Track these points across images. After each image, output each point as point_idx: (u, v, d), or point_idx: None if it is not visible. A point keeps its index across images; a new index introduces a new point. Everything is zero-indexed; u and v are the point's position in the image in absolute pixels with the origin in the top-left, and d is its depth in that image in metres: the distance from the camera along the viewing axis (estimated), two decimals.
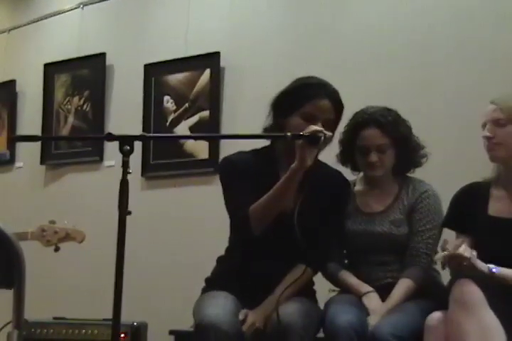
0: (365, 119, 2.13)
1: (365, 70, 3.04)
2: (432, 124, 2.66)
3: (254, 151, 2.05)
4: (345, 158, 2.22)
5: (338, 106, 1.98)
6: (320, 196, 1.99)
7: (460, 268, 1.74)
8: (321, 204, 1.99)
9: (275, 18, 3.37)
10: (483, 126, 1.96)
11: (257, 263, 1.97)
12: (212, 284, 2.06)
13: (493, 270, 1.79)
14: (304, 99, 1.96)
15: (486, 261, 1.81)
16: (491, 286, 1.73)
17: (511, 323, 1.70)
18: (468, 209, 1.98)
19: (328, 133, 1.83)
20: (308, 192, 1.95)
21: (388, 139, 2.12)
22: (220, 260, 2.11)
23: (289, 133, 1.81)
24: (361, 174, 2.24)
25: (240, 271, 2.00)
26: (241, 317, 1.91)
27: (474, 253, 1.76)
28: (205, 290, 2.06)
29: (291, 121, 1.95)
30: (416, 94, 2.87)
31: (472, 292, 1.70)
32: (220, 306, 1.88)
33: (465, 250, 1.74)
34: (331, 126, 1.97)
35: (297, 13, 3.31)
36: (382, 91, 2.89)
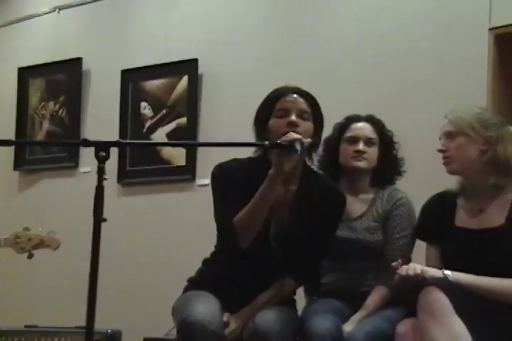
0: (357, 116, 2.25)
1: (345, 79, 3.08)
2: (410, 134, 2.70)
3: (250, 159, 2.03)
4: (327, 157, 2.24)
5: (309, 99, 1.99)
6: (315, 213, 1.97)
7: (418, 282, 1.79)
8: (314, 221, 1.96)
9: (254, 25, 3.40)
10: (440, 140, 2.02)
11: (243, 271, 1.96)
12: (196, 284, 2.06)
13: (447, 274, 1.83)
14: (273, 100, 1.98)
15: (453, 270, 1.85)
16: (457, 293, 1.77)
17: (478, 329, 1.75)
18: (437, 219, 2.03)
19: (306, 140, 1.84)
20: (301, 207, 1.96)
21: (377, 136, 2.21)
22: (206, 262, 2.12)
23: (266, 142, 1.82)
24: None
25: (225, 276, 2.00)
26: (225, 319, 1.92)
27: (423, 267, 1.83)
28: (187, 290, 2.06)
29: (270, 125, 1.97)
30: (395, 105, 2.92)
31: (439, 299, 1.74)
32: (208, 305, 1.87)
33: (413, 269, 1.80)
34: (310, 119, 1.97)
35: (277, 20, 3.34)
36: (362, 101, 2.93)
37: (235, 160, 2.05)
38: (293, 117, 1.94)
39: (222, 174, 2.01)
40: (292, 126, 1.92)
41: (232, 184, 1.96)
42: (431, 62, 2.90)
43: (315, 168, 2.14)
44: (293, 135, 1.83)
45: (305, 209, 1.97)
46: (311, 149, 1.99)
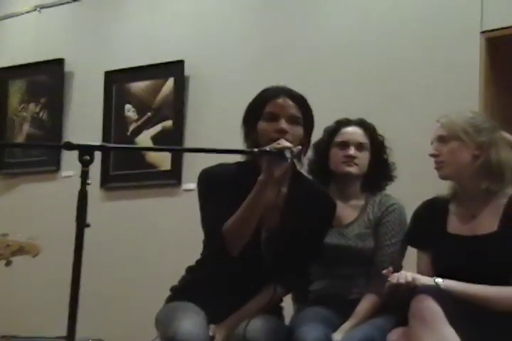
0: (348, 120, 2.25)
1: (335, 82, 3.10)
2: (398, 136, 2.71)
3: (238, 164, 2.03)
4: (317, 161, 2.25)
5: (301, 103, 1.98)
6: (304, 216, 1.98)
7: (409, 290, 1.81)
8: (304, 224, 1.97)
9: (243, 25, 3.41)
10: (431, 144, 2.04)
11: (231, 278, 1.96)
12: (179, 293, 2.05)
13: (438, 282, 1.85)
14: (263, 102, 1.97)
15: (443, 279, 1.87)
16: (449, 301, 1.79)
17: (469, 337, 1.76)
18: (428, 226, 2.04)
19: (297, 148, 1.84)
20: (291, 211, 1.97)
21: (368, 140, 2.22)
22: (190, 270, 2.11)
23: (255, 150, 1.82)
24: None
25: (212, 284, 1.99)
26: (211, 333, 1.91)
27: (415, 275, 1.84)
28: (170, 300, 2.06)
29: (259, 129, 1.96)
30: (386, 108, 2.94)
31: (430, 307, 1.75)
32: (193, 320, 1.88)
33: (404, 277, 1.82)
34: (301, 124, 1.96)
35: (266, 21, 3.36)
36: (351, 104, 2.95)
37: (222, 164, 2.04)
38: (282, 124, 1.93)
39: (209, 179, 2.01)
40: (281, 132, 1.92)
41: (220, 190, 1.96)
42: (422, 66, 2.93)
43: (304, 172, 2.15)
44: (283, 143, 1.82)
45: (295, 212, 1.98)
46: (300, 153, 1.99)
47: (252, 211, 1.89)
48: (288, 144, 1.81)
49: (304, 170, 2.14)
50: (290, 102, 1.97)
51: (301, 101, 1.99)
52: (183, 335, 1.80)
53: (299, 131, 1.96)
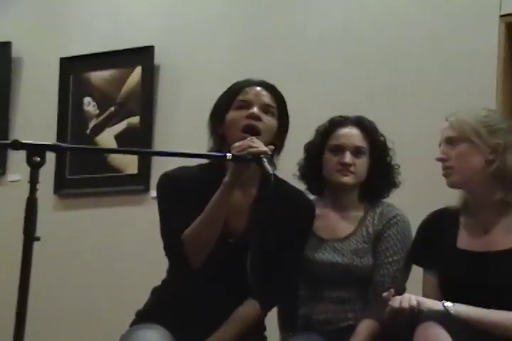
0: (344, 119, 2.25)
1: (327, 74, 3.12)
2: (400, 137, 2.74)
3: (201, 166, 2.07)
4: (308, 166, 2.26)
5: (276, 94, 2.03)
6: (279, 222, 2.00)
7: (414, 316, 1.82)
8: (276, 230, 2.00)
9: (223, 6, 3.43)
10: (439, 147, 2.05)
11: (198, 297, 1.98)
12: (144, 317, 2.06)
13: (448, 306, 1.86)
14: (235, 92, 2.02)
15: (453, 300, 1.88)
16: (460, 328, 1.80)
17: None
18: (435, 241, 2.06)
19: (270, 148, 1.85)
20: (261, 215, 1.98)
21: (366, 144, 2.22)
22: (156, 291, 2.12)
23: (228, 154, 1.83)
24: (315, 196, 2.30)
25: (178, 305, 2.01)
26: None
27: (420, 298, 1.86)
28: (135, 324, 2.07)
29: (227, 119, 1.99)
30: (384, 104, 2.96)
31: (438, 336, 1.76)
32: (159, 335, 1.91)
33: (407, 300, 1.83)
34: (275, 116, 2.01)
35: (247, 4, 3.37)
36: (346, 99, 2.98)
37: (183, 167, 2.08)
38: (255, 109, 1.97)
39: (169, 184, 2.04)
40: (253, 118, 1.95)
41: (182, 195, 1.99)
42: (429, 54, 2.96)
43: (282, 176, 2.16)
44: (260, 146, 1.83)
45: (266, 216, 1.99)
46: (272, 154, 1.98)
47: (214, 217, 1.91)
48: (263, 148, 1.83)
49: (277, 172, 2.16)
50: (264, 92, 2.01)
51: (275, 92, 2.04)
52: None
53: (272, 122, 2.00)
